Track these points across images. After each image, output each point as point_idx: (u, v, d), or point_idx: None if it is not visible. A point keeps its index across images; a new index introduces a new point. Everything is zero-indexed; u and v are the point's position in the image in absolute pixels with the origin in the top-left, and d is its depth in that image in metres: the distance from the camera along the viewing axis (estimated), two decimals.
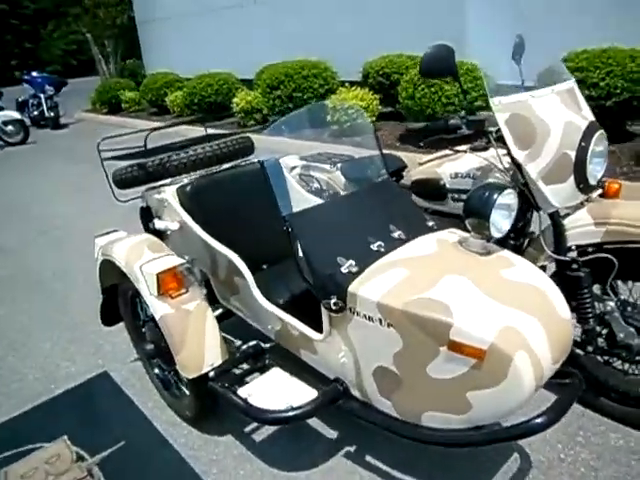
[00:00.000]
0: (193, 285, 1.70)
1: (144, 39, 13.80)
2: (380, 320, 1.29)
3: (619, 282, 1.74)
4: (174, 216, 2.00)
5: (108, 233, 2.11)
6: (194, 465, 1.82)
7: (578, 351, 1.77)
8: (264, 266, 1.93)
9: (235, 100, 7.85)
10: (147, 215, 2.23)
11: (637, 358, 1.69)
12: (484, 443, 1.30)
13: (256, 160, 2.20)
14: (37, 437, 2.02)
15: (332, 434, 1.89)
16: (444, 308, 1.21)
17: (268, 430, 1.94)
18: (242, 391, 1.60)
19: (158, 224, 2.10)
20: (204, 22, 10.99)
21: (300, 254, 1.48)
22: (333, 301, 1.37)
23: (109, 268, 1.99)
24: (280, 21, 9.11)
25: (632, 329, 1.64)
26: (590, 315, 1.68)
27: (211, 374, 1.66)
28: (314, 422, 1.94)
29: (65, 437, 2.00)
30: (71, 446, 1.97)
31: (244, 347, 1.79)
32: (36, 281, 3.53)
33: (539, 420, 1.23)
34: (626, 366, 1.77)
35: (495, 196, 1.35)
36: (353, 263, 1.39)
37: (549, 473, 1.65)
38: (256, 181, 2.16)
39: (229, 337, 1.87)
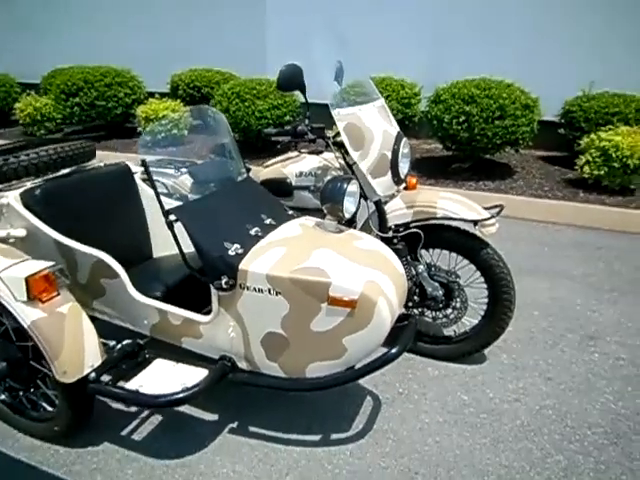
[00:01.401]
0: (63, 288, 1.64)
1: None
2: (269, 290, 1.53)
3: (424, 251, 2.31)
4: (18, 222, 1.85)
5: None
6: (73, 479, 1.74)
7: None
8: (132, 264, 1.95)
9: (18, 106, 6.95)
10: None
11: (440, 306, 2.28)
12: (357, 378, 1.65)
13: (118, 163, 2.18)
14: None
15: (212, 417, 2.02)
16: (322, 272, 1.51)
17: (146, 428, 1.96)
18: (131, 384, 1.63)
19: None
20: None
21: (182, 243, 1.61)
22: (225, 280, 1.54)
23: None
24: (70, 24, 8.35)
25: (436, 284, 2.22)
26: (408, 277, 2.20)
27: (92, 376, 1.63)
28: (191, 411, 2.04)
29: None
30: None
31: (119, 346, 1.79)
32: None
33: (393, 351, 1.63)
34: (433, 315, 2.35)
35: (345, 185, 1.73)
36: (238, 246, 1.59)
37: (394, 404, 2.11)
38: (110, 183, 2.15)
39: (102, 340, 1.83)
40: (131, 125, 6.97)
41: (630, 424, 2.01)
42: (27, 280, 1.51)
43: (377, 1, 6.14)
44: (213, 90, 6.30)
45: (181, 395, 1.59)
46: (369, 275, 1.55)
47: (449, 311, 2.27)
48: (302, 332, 1.56)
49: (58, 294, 1.60)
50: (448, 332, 2.41)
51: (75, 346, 1.60)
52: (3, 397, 1.92)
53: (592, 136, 4.36)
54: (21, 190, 1.88)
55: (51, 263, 1.60)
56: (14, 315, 1.56)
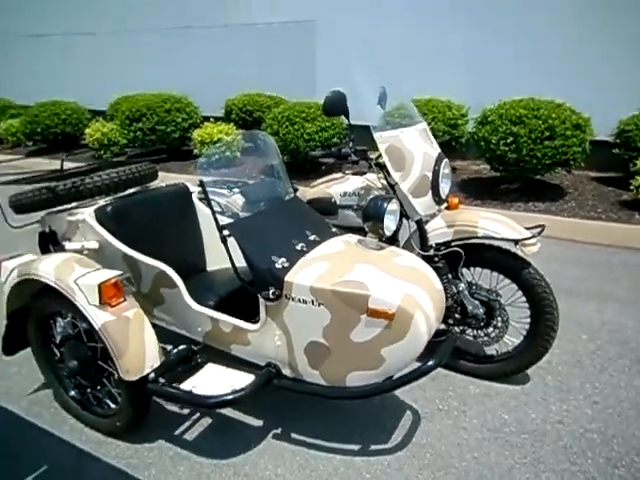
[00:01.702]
0: (129, 295, 1.83)
1: None
2: (312, 301, 1.64)
3: (464, 269, 2.35)
4: (92, 236, 2.08)
5: (14, 257, 2.08)
6: (131, 471, 1.89)
7: (442, 326, 2.33)
8: (188, 276, 2.12)
9: (88, 131, 7.53)
10: (49, 239, 2.24)
11: (481, 325, 2.30)
12: (395, 388, 1.72)
13: (177, 183, 2.39)
14: None
15: (258, 422, 2.14)
16: (362, 285, 1.61)
17: (197, 430, 2.10)
18: (185, 385, 1.78)
19: (69, 245, 2.13)
20: (44, 46, 10.25)
21: (234, 257, 1.76)
22: (272, 291, 1.67)
23: (20, 290, 1.97)
24: (134, 54, 9.03)
25: (477, 302, 2.25)
26: (448, 295, 2.25)
27: (151, 376, 1.79)
28: (238, 416, 2.16)
29: None
30: None
31: (176, 350, 1.94)
32: None
33: (430, 363, 1.69)
34: (474, 333, 2.37)
35: (386, 204, 1.83)
36: (285, 260, 1.72)
37: (433, 419, 2.14)
38: (170, 202, 2.36)
39: (160, 344, 2.00)
40: (187, 148, 7.39)
41: None
42: (100, 286, 1.71)
43: (424, 24, 6.27)
44: (264, 114, 6.59)
45: (229, 397, 1.71)
46: (407, 289, 1.63)
47: (490, 329, 2.29)
48: (342, 342, 1.65)
49: (125, 300, 1.79)
50: (490, 351, 2.42)
51: (138, 348, 1.77)
52: (73, 393, 2.13)
53: None
54: (95, 207, 2.11)
55: (120, 272, 1.79)
56: (87, 317, 1.75)
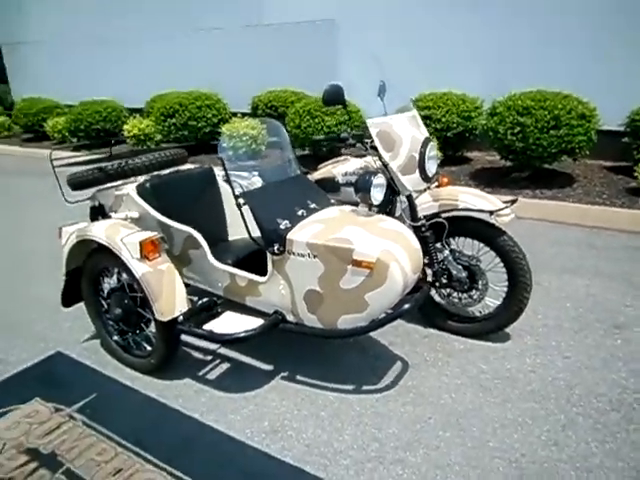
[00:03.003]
0: (163, 252, 2.24)
1: (11, 63, 13.13)
2: (309, 254, 2.01)
3: (450, 239, 2.66)
4: (134, 207, 2.50)
5: (72, 224, 2.53)
6: (163, 400, 2.31)
7: (433, 292, 2.65)
8: (212, 244, 2.53)
9: (126, 127, 8.08)
10: (98, 212, 2.69)
11: (465, 288, 2.61)
12: (379, 326, 2.07)
13: (204, 166, 2.79)
14: (8, 402, 2.32)
15: (267, 367, 2.52)
16: (348, 241, 1.97)
17: (216, 372, 2.50)
18: (206, 327, 2.18)
19: (115, 215, 2.57)
20: (85, 49, 10.98)
21: (247, 222, 2.14)
22: (276, 247, 2.05)
23: (77, 251, 2.42)
24: (168, 54, 9.60)
25: (460, 267, 2.56)
26: (435, 261, 2.57)
27: (180, 318, 2.20)
28: (251, 361, 2.56)
29: (37, 398, 2.35)
30: (45, 403, 2.32)
31: (201, 301, 2.35)
32: None
33: (406, 306, 2.04)
34: (459, 295, 2.68)
35: (372, 178, 2.18)
36: (287, 222, 2.10)
37: (419, 367, 2.47)
38: (198, 181, 2.78)
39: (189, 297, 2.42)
40: (216, 142, 7.86)
41: (637, 396, 2.21)
42: (141, 243, 2.13)
43: (442, 20, 6.52)
44: (288, 109, 6.99)
45: (242, 335, 2.10)
46: (386, 245, 1.97)
47: (473, 292, 2.60)
48: (334, 289, 2.01)
49: (160, 256, 2.21)
50: (474, 313, 2.73)
51: (170, 294, 2.18)
52: (116, 338, 2.57)
53: None
54: (136, 184, 2.55)
55: (155, 233, 2.21)
56: (130, 269, 2.18)
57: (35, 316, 3.13)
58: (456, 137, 5.84)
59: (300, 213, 2.16)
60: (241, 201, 2.12)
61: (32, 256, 4.19)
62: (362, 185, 2.17)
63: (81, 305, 2.65)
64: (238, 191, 2.15)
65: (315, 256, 1.99)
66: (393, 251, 1.96)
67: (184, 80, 8.67)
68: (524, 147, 4.83)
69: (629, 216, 4.27)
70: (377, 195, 2.20)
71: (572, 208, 4.52)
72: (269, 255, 2.11)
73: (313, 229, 2.06)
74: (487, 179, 5.48)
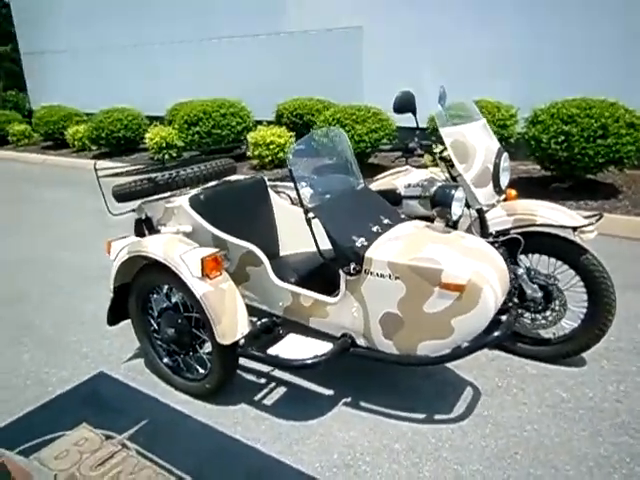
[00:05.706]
0: (224, 269, 2.08)
1: (31, 71, 13.17)
2: (389, 275, 1.84)
3: (522, 256, 2.48)
4: (187, 220, 2.35)
5: (121, 238, 2.38)
6: (220, 428, 2.14)
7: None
8: (272, 255, 2.36)
9: (148, 135, 8.00)
10: (144, 225, 2.53)
11: (539, 308, 2.43)
12: (464, 355, 1.88)
13: (253, 176, 2.64)
14: (55, 428, 2.16)
15: (329, 392, 2.34)
16: (435, 261, 1.79)
17: (273, 397, 2.33)
18: (271, 350, 2.01)
19: (165, 229, 2.42)
20: (105, 58, 10.98)
21: (316, 237, 1.97)
22: (352, 266, 1.88)
23: (126, 267, 2.27)
24: (189, 62, 9.54)
25: (535, 286, 2.38)
26: (510, 280, 2.39)
27: (241, 341, 2.03)
28: (310, 386, 2.38)
29: (84, 424, 2.18)
30: (94, 430, 2.16)
31: (260, 322, 2.19)
32: None
33: (496, 334, 1.85)
34: (532, 316, 2.49)
35: (453, 192, 2.01)
36: (364, 239, 1.93)
37: (492, 394, 2.29)
38: (250, 192, 2.62)
39: None
40: (240, 151, 7.74)
41: None
42: (202, 260, 1.97)
43: (471, 28, 6.38)
44: (313, 117, 6.87)
45: (311, 361, 1.93)
46: (476, 266, 1.80)
47: (548, 313, 2.41)
48: (416, 313, 1.84)
49: (221, 274, 2.05)
50: (547, 335, 2.54)
51: (232, 316, 2.01)
52: (166, 360, 2.40)
53: None
54: (189, 196, 2.39)
55: (217, 249, 2.05)
56: (189, 288, 2.01)
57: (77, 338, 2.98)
58: None
59: (375, 229, 2.00)
60: (311, 215, 1.96)
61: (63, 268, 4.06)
62: (441, 199, 2.00)
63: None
64: (307, 204, 1.98)
65: (397, 277, 1.82)
66: (483, 272, 1.79)
67: (206, 88, 8.59)
68: (568, 156, 4.64)
69: None
70: (457, 210, 2.04)
71: (623, 220, 4.32)
72: (342, 274, 1.94)
73: (393, 247, 1.89)
74: (526, 190, 5.28)
